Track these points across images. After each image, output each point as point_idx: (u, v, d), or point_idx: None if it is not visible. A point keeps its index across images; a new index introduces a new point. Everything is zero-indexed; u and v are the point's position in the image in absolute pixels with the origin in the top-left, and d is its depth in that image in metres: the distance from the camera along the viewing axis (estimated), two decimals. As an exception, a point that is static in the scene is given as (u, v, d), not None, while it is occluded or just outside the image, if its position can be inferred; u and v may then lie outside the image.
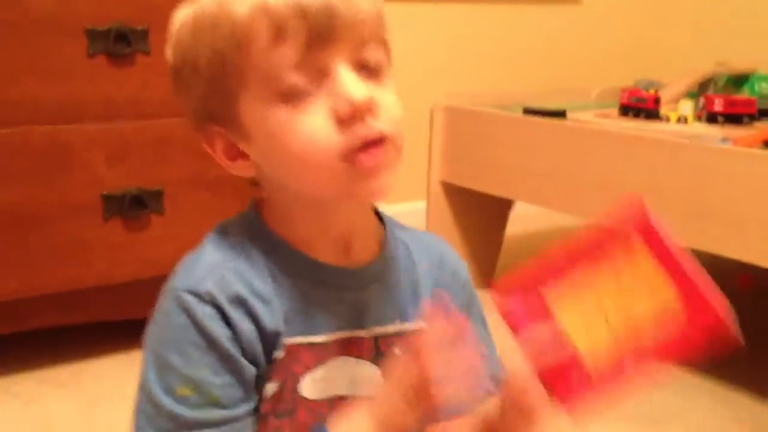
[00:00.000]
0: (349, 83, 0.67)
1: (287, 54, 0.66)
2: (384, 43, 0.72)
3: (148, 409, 0.69)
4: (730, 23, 2.93)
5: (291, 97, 0.67)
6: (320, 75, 0.67)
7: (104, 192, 1.54)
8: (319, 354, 0.73)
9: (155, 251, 1.59)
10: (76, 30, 1.49)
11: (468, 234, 2.14)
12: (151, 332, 0.71)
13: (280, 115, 0.68)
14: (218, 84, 0.70)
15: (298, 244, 0.73)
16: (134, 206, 1.57)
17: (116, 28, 1.52)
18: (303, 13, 0.66)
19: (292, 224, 0.74)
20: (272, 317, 0.70)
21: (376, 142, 0.68)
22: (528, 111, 1.93)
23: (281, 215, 0.74)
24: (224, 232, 0.74)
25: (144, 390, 0.69)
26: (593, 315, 0.64)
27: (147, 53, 1.55)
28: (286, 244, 0.73)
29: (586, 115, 1.87)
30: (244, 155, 0.73)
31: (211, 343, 0.68)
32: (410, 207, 2.45)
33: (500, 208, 2.19)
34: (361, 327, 0.75)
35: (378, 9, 0.71)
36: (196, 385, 0.68)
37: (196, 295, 0.68)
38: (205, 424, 0.68)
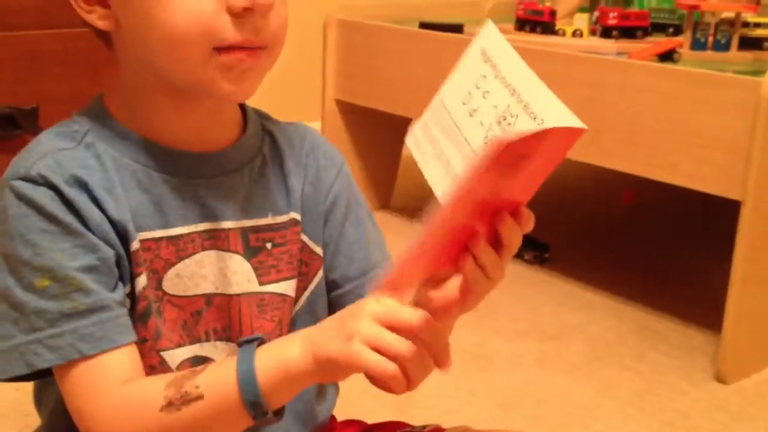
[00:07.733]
0: None
1: None
2: None
3: (10, 314, 0.63)
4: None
5: None
6: None
7: (-29, 110, 1.43)
8: (182, 247, 0.68)
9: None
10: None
11: (364, 155, 2.10)
12: None
13: None
14: None
15: (147, 131, 0.67)
16: (5, 126, 1.46)
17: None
18: None
19: (141, 108, 0.67)
20: (117, 207, 0.65)
21: (255, 48, 0.63)
22: (424, 25, 1.88)
23: (129, 99, 0.68)
24: (64, 123, 0.68)
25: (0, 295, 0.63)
26: None
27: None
28: (132, 132, 0.67)
29: (483, 29, 1.83)
30: (104, 2, 0.64)
31: (57, 225, 0.62)
32: (304, 126, 2.38)
33: (397, 127, 2.14)
34: (224, 218, 0.70)
35: None
36: (53, 273, 0.62)
37: (28, 179, 0.62)
38: (72, 315, 0.62)
